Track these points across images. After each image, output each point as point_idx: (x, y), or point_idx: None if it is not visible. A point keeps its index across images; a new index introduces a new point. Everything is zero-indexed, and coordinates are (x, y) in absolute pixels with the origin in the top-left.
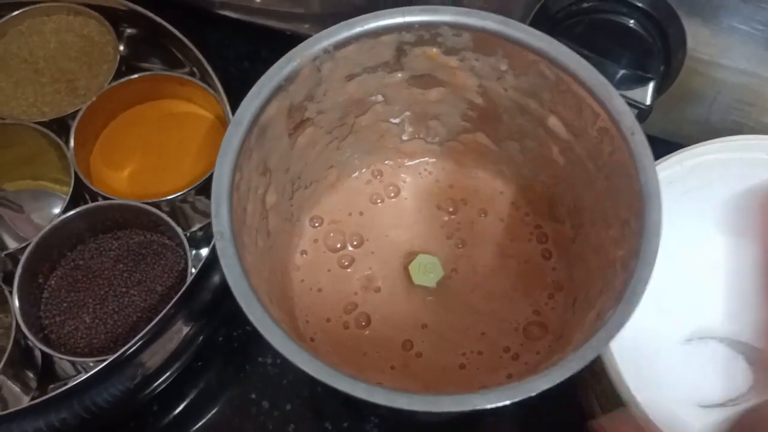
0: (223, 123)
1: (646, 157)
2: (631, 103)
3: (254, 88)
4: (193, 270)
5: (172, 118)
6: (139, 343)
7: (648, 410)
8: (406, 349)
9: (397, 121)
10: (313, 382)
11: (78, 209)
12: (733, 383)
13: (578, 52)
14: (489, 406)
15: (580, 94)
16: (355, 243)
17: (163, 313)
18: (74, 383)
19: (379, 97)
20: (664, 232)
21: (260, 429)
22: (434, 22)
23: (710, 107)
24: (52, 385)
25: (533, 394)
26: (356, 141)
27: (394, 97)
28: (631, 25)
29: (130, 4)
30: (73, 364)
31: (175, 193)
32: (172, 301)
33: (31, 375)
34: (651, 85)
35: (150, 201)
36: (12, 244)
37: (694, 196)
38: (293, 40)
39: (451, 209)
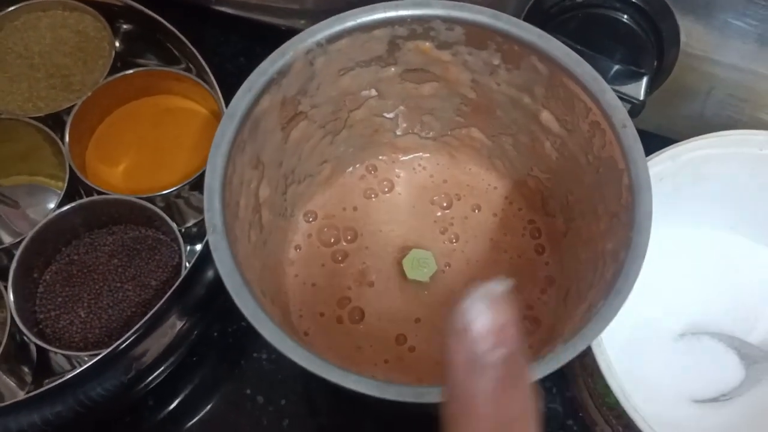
0: (218, 119)
1: (637, 150)
2: (625, 98)
3: (247, 81)
4: (187, 264)
5: (167, 114)
6: (133, 338)
7: (640, 406)
8: (400, 343)
9: (390, 116)
10: (307, 377)
11: (73, 204)
12: (726, 378)
13: (572, 48)
14: None
15: (572, 88)
16: (349, 238)
17: (156, 308)
18: (68, 377)
19: (373, 92)
20: (656, 228)
21: (255, 424)
22: (426, 16)
23: (704, 103)
24: (47, 380)
25: None
26: (350, 136)
27: (387, 92)
28: (625, 20)
29: (126, 0)
30: (68, 358)
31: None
32: (166, 296)
33: (26, 370)
34: (644, 81)
35: (145, 196)
36: (7, 239)
37: (686, 191)
38: (289, 36)
39: (444, 204)
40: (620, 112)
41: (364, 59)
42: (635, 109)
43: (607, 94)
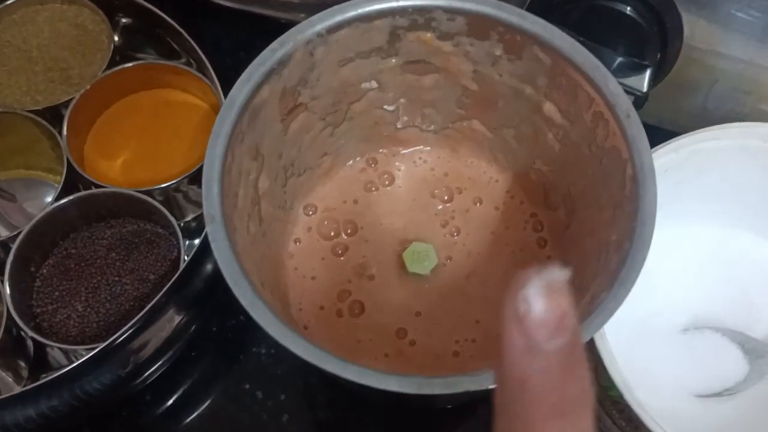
0: (217, 113)
1: (641, 140)
2: (628, 91)
3: (247, 71)
4: (186, 258)
5: (166, 108)
6: (131, 331)
7: (644, 400)
8: (400, 336)
9: (391, 108)
10: (307, 371)
11: (71, 197)
12: (729, 373)
13: (575, 39)
14: (481, 389)
15: (574, 77)
16: (349, 231)
17: (154, 301)
18: (65, 371)
19: (373, 83)
20: (659, 221)
21: (254, 419)
22: (428, 6)
23: (707, 95)
24: (43, 374)
25: None
26: (350, 128)
27: (388, 84)
28: (628, 12)
29: None
30: (65, 352)
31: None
32: (164, 289)
33: (22, 364)
34: (648, 73)
35: (143, 189)
36: (4, 233)
37: (690, 184)
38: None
39: (446, 197)
40: (624, 102)
41: (365, 50)
42: (638, 102)
43: (610, 83)
